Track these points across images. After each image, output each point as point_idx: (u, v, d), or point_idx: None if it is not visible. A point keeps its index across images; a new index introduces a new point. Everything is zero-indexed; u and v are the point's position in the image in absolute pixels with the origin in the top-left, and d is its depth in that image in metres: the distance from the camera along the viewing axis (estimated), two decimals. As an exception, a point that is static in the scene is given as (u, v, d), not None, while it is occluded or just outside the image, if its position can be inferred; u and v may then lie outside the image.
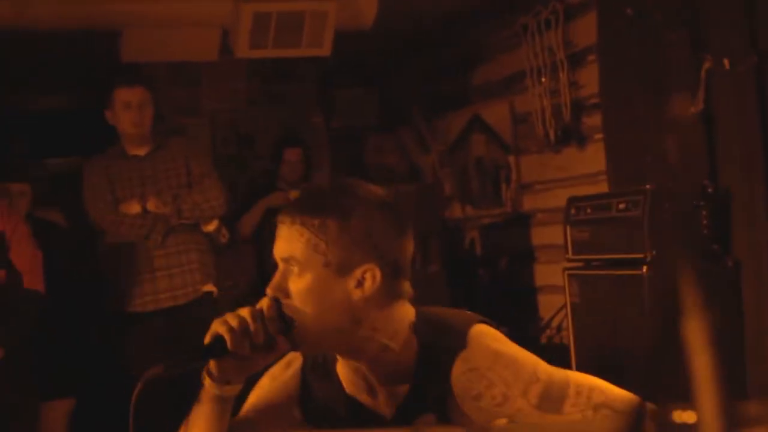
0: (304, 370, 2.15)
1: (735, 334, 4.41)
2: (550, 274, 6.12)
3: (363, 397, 2.08)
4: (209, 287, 5.31)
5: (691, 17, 4.69)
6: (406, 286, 2.02)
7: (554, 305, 5.93)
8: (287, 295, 1.97)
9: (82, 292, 5.32)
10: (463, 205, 7.18)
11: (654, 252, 4.37)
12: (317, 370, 2.13)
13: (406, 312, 2.04)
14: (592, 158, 5.67)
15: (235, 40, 5.58)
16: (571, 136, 5.91)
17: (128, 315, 5.16)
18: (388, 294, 1.98)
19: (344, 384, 2.10)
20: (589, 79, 5.67)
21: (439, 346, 1.99)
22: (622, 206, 4.55)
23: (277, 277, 2.00)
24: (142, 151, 5.27)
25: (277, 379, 2.18)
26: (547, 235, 6.25)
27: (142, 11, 5.47)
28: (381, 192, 2.07)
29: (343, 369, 2.10)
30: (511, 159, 6.64)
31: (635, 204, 4.47)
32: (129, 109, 5.15)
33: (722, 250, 4.53)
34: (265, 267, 6.41)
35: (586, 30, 5.62)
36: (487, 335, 2.00)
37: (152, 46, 5.71)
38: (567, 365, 4.95)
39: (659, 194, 4.45)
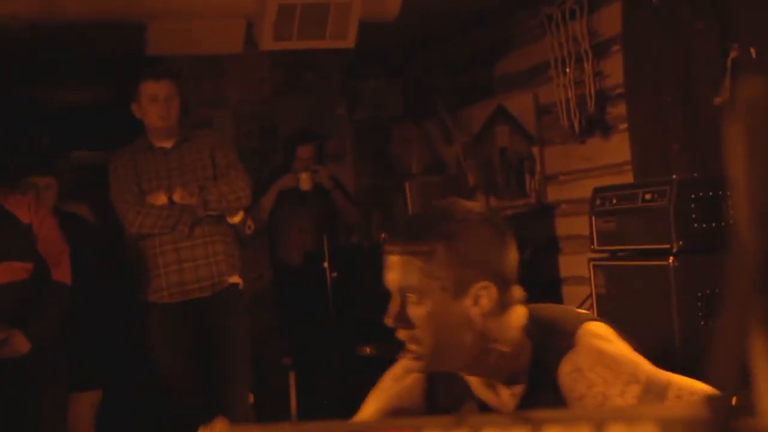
0: (429, 374, 2.22)
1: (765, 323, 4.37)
2: (574, 265, 6.11)
3: (488, 397, 2.14)
4: (235, 279, 5.33)
5: (718, 6, 4.66)
6: (517, 292, 2.10)
7: (579, 296, 5.91)
8: (408, 323, 2.06)
9: (109, 285, 5.35)
10: (487, 196, 7.16)
11: (680, 242, 4.36)
12: (442, 374, 2.20)
13: (519, 316, 2.10)
14: (617, 148, 5.65)
15: (259, 32, 5.59)
16: (595, 126, 5.89)
17: (155, 306, 5.19)
18: (503, 304, 2.05)
19: (471, 385, 2.17)
20: (614, 69, 5.65)
21: (548, 348, 2.04)
22: (647, 196, 4.53)
23: (394, 308, 2.09)
24: (168, 144, 5.29)
25: (400, 381, 2.29)
26: (571, 225, 6.24)
27: (167, 4, 5.48)
28: (479, 208, 2.14)
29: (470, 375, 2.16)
30: (535, 150, 6.62)
31: (661, 194, 4.45)
32: (156, 103, 5.17)
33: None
34: (278, 255, 6.44)
35: (611, 20, 5.60)
36: (594, 334, 2.03)
37: (177, 39, 5.72)
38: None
39: (686, 184, 4.44)
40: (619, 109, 5.65)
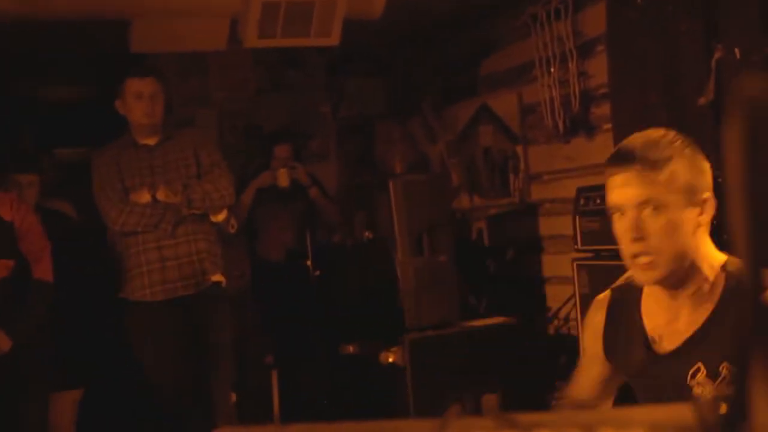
0: (610, 308, 2.42)
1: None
2: (557, 264, 6.13)
3: (658, 332, 2.27)
4: (218, 277, 5.32)
5: (703, 7, 4.67)
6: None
7: (562, 296, 5.93)
8: (646, 236, 2.18)
9: (91, 283, 5.33)
10: (471, 195, 7.18)
11: (663, 242, 4.36)
12: (620, 310, 2.37)
13: (716, 251, 2.24)
14: (601, 148, 5.64)
15: (243, 29, 5.57)
16: (579, 126, 5.90)
17: (137, 304, 5.17)
18: (712, 219, 2.22)
19: (645, 321, 2.29)
20: (599, 69, 5.66)
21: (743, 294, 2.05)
22: (630, 197, 4.52)
23: (632, 222, 2.21)
24: (152, 141, 5.27)
25: (589, 323, 2.49)
26: (555, 225, 6.25)
27: (151, 2, 5.46)
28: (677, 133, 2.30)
29: (647, 302, 2.31)
30: (519, 149, 6.62)
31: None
32: (141, 100, 5.16)
33: (731, 240, 4.50)
34: (258, 253, 6.44)
35: (595, 20, 5.61)
36: None
37: (161, 36, 5.70)
38: (574, 356, 4.95)
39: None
40: (603, 109, 5.66)
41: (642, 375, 2.28)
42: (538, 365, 5.81)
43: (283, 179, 6.32)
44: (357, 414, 5.06)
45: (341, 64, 7.72)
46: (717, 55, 4.58)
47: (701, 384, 2.13)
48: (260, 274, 6.58)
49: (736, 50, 4.47)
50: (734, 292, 2.10)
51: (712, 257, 2.20)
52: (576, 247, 4.97)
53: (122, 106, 5.21)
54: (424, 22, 6.90)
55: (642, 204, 2.18)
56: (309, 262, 6.01)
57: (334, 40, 5.72)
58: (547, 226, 6.45)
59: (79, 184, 5.55)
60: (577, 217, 4.91)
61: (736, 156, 0.96)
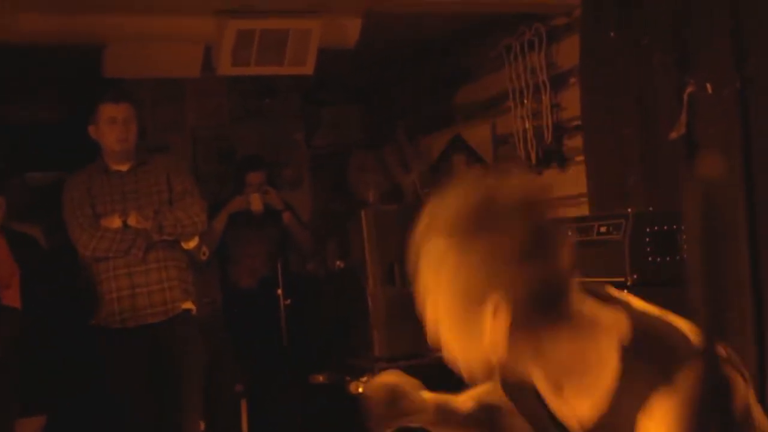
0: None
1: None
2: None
3: (551, 400, 1.96)
4: (188, 305, 5.29)
5: (675, 41, 4.69)
6: (576, 302, 1.81)
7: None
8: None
9: (59, 309, 5.29)
10: (445, 224, 7.15)
11: (635, 275, 4.36)
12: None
13: (606, 322, 1.82)
14: (574, 180, 5.66)
15: (217, 57, 5.56)
16: (552, 157, 5.90)
17: (106, 331, 5.13)
18: (544, 315, 1.78)
19: (543, 395, 1.98)
20: (572, 101, 5.67)
21: (641, 372, 1.77)
22: (603, 229, 4.53)
23: (428, 329, 1.91)
24: (124, 167, 5.25)
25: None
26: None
27: (125, 27, 5.44)
28: (527, 191, 1.79)
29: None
30: (492, 180, 6.60)
31: (616, 227, 4.45)
32: (114, 125, 5.14)
33: (702, 274, 4.51)
34: (229, 279, 6.41)
35: (569, 52, 5.62)
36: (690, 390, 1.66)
37: (135, 61, 5.68)
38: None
39: (641, 217, 4.45)
40: (575, 141, 5.67)
41: (541, 427, 2.06)
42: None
43: (256, 204, 6.31)
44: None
45: (317, 91, 7.71)
46: (689, 89, 4.59)
47: None
48: (231, 300, 6.55)
49: (708, 85, 4.49)
50: (626, 388, 1.78)
51: (589, 341, 1.81)
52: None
53: (95, 131, 5.19)
54: (399, 51, 6.91)
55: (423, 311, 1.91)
56: (280, 291, 5.98)
57: (308, 69, 5.71)
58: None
59: (50, 209, 5.51)
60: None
61: (694, 232, 0.96)
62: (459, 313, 1.79)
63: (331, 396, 5.75)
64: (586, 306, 1.84)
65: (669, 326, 1.83)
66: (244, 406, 5.92)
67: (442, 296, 1.81)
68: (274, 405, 6.11)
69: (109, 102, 5.16)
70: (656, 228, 4.44)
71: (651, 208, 4.65)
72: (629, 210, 4.49)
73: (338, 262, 6.31)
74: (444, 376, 5.75)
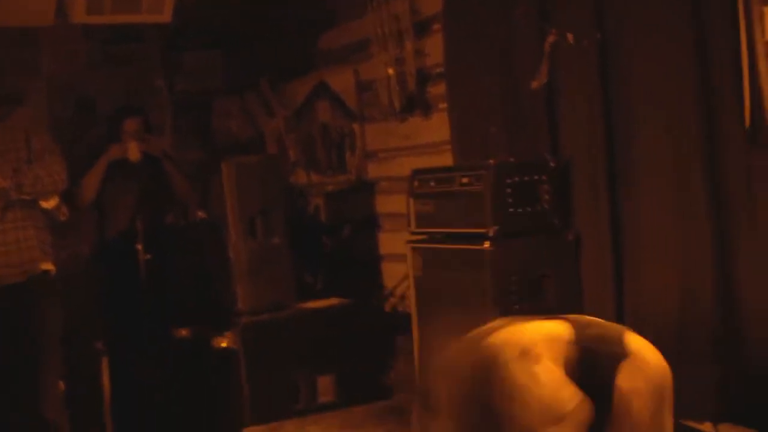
0: None
1: (574, 307, 4.43)
2: (394, 242, 6.09)
3: None
4: (47, 265, 5.19)
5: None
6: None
7: (399, 273, 5.91)
8: None
9: None
10: (308, 171, 7.10)
11: (496, 227, 4.36)
12: None
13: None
14: (437, 128, 5.64)
15: (70, 5, 5.38)
16: (415, 105, 5.87)
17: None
18: None
19: None
20: (435, 48, 5.62)
21: (599, 353, 2.01)
22: (465, 180, 4.52)
23: None
24: (-20, 125, 5.10)
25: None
26: (391, 203, 6.22)
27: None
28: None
29: None
30: (356, 126, 6.58)
31: (478, 178, 4.45)
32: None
33: (563, 224, 4.55)
34: (108, 231, 6.26)
35: (432, -2, 5.58)
36: (642, 350, 2.04)
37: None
38: (409, 334, 4.95)
39: (502, 169, 4.44)
40: (439, 89, 5.64)
41: None
42: (374, 345, 5.80)
43: (133, 152, 6.14)
44: (190, 399, 4.97)
45: (177, 37, 7.52)
46: (550, 38, 4.59)
47: None
48: (99, 254, 6.41)
49: (569, 35, 4.49)
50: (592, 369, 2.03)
51: None
52: (410, 229, 4.93)
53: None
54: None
55: None
56: (140, 246, 5.85)
57: (166, 16, 5.59)
58: (383, 203, 6.43)
59: None
60: (411, 200, 4.88)
61: None
62: None
63: (194, 351, 5.69)
64: None
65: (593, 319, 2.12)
66: (105, 363, 5.80)
67: None
68: (136, 362, 5.99)
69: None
70: (517, 179, 4.45)
71: (512, 159, 4.65)
72: (491, 161, 4.48)
73: (200, 213, 6.19)
74: (306, 328, 5.75)
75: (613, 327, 2.10)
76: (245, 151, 7.29)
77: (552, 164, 4.55)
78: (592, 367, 2.01)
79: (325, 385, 5.56)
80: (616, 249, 4.35)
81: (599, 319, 2.14)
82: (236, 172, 5.37)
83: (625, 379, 1.96)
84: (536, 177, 4.49)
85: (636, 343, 2.03)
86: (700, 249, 4.01)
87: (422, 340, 4.81)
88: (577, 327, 2.05)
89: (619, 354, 1.99)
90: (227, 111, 7.66)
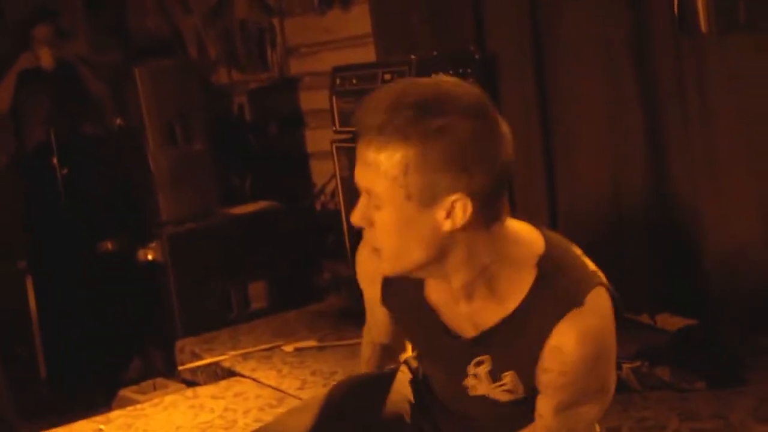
0: None
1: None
2: (321, 139, 5.96)
3: (444, 309, 1.97)
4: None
5: None
6: (506, 204, 1.84)
7: (327, 171, 5.79)
8: (371, 224, 1.82)
9: None
10: (230, 69, 6.91)
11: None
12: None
13: (525, 238, 1.89)
14: (358, 21, 5.50)
15: None
16: (335, -3, 5.70)
17: None
18: (486, 218, 1.80)
19: (427, 291, 1.99)
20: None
21: (557, 288, 1.85)
22: (387, 77, 4.38)
23: (360, 206, 1.82)
24: None
25: (362, 263, 2.12)
26: (315, 100, 6.07)
27: None
28: (473, 96, 1.79)
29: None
30: (276, 21, 6.38)
31: (400, 74, 4.31)
32: None
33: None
34: (26, 144, 6.05)
35: None
36: (599, 308, 1.85)
37: None
38: (341, 234, 4.85)
39: (425, 63, 4.30)
40: (359, -21, 5.47)
41: (424, 337, 2.08)
42: (306, 246, 5.70)
43: (46, 59, 5.90)
44: (118, 315, 4.83)
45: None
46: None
47: (479, 377, 1.94)
48: (16, 168, 6.19)
49: None
50: (540, 297, 1.85)
51: (512, 247, 1.87)
52: (335, 128, 4.80)
53: None
54: None
55: (364, 190, 1.81)
56: (55, 160, 5.65)
57: None
58: (307, 100, 6.28)
59: None
60: (334, 98, 4.73)
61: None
62: (411, 209, 1.76)
63: (120, 265, 5.56)
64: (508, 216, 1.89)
65: (575, 254, 1.93)
66: (29, 282, 5.65)
67: (390, 196, 1.76)
68: (61, 278, 5.83)
69: None
70: (440, 73, 4.31)
71: (435, 52, 4.51)
72: (412, 56, 4.34)
73: (118, 120, 5.97)
74: (234, 234, 5.63)
75: (583, 269, 1.91)
76: (165, 50, 7.04)
77: (477, 57, 4.42)
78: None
79: (257, 292, 5.47)
80: (547, 143, 4.26)
81: (574, 253, 1.96)
82: (150, 77, 5.19)
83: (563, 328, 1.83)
84: (461, 70, 4.35)
85: (597, 300, 1.85)
86: (632, 139, 3.97)
87: (352, 238, 4.71)
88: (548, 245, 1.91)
89: (573, 301, 1.84)
90: (143, 9, 7.39)
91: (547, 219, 4.23)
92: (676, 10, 3.56)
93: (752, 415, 3.02)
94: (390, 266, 1.86)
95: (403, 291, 2.03)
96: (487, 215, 1.79)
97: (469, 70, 4.37)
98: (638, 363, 3.37)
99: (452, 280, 1.87)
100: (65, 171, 5.69)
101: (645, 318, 3.96)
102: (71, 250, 5.75)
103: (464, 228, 1.77)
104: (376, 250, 1.86)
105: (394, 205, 1.76)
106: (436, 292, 1.97)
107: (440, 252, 1.81)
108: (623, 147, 3.98)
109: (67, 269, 5.81)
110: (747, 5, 3.46)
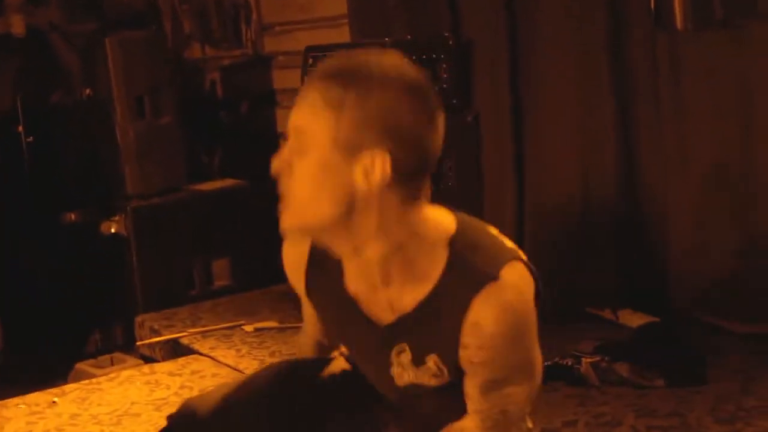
0: (314, 247, 2.02)
1: (474, 189, 4.34)
2: (292, 119, 5.93)
3: (363, 297, 1.96)
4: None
5: None
6: (426, 188, 1.86)
7: (297, 151, 5.75)
8: (290, 172, 1.81)
9: None
10: (203, 45, 6.84)
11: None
12: (322, 254, 1.97)
13: (438, 219, 1.90)
14: (334, 1, 5.43)
15: None
16: (311, -24, 5.66)
17: None
18: (403, 194, 1.81)
19: (347, 279, 1.98)
20: None
21: (468, 266, 1.84)
22: (360, 59, 4.33)
23: (283, 152, 1.83)
24: None
25: (289, 254, 2.11)
26: (288, 78, 6.01)
27: None
28: (422, 81, 1.84)
29: (348, 262, 1.96)
30: (251, -2, 6.34)
31: (374, 57, 4.26)
32: None
33: (462, 104, 4.40)
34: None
35: None
36: (516, 282, 1.84)
37: None
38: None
39: (398, 47, 4.24)
40: (335, -43, 5.42)
41: (346, 329, 2.07)
42: (272, 226, 5.65)
43: (18, 26, 5.82)
44: (80, 287, 4.77)
45: None
46: None
47: (403, 365, 1.93)
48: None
49: None
50: (454, 276, 1.85)
51: (425, 227, 1.87)
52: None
53: None
54: None
55: (295, 131, 1.81)
56: (20, 128, 5.58)
57: None
58: (280, 79, 6.23)
59: None
60: (306, 77, 4.67)
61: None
62: (334, 156, 1.77)
63: (83, 238, 5.50)
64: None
65: (490, 233, 1.93)
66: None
67: (319, 136, 1.77)
68: (23, 248, 5.77)
69: None
70: (414, 57, 4.25)
71: (410, 36, 4.48)
72: (386, 39, 4.32)
73: (86, 90, 5.90)
74: (199, 210, 5.60)
75: (497, 244, 1.92)
76: (140, 22, 6.96)
77: (451, 42, 4.38)
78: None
79: (221, 270, 5.43)
80: (517, 130, 4.24)
81: (487, 231, 1.96)
82: (121, 48, 5.13)
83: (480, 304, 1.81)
84: (434, 55, 4.31)
85: (514, 274, 1.84)
86: (603, 131, 3.96)
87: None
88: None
89: (488, 276, 1.82)
90: (118, -21, 7.31)
91: (515, 211, 4.21)
92: (653, 5, 3.55)
93: (709, 414, 3.01)
94: (294, 218, 1.84)
95: (323, 282, 2.03)
96: (404, 190, 1.80)
97: (443, 56, 4.34)
98: (598, 358, 3.36)
99: (365, 250, 1.86)
100: (30, 140, 5.63)
101: (607, 313, 3.95)
102: (34, 220, 5.68)
103: (379, 195, 1.78)
104: (283, 203, 1.84)
105: (318, 149, 1.76)
106: (355, 281, 1.96)
107: (348, 210, 1.79)
108: (595, 141, 3.97)
109: (29, 239, 5.74)
110: (723, 1, 3.45)
